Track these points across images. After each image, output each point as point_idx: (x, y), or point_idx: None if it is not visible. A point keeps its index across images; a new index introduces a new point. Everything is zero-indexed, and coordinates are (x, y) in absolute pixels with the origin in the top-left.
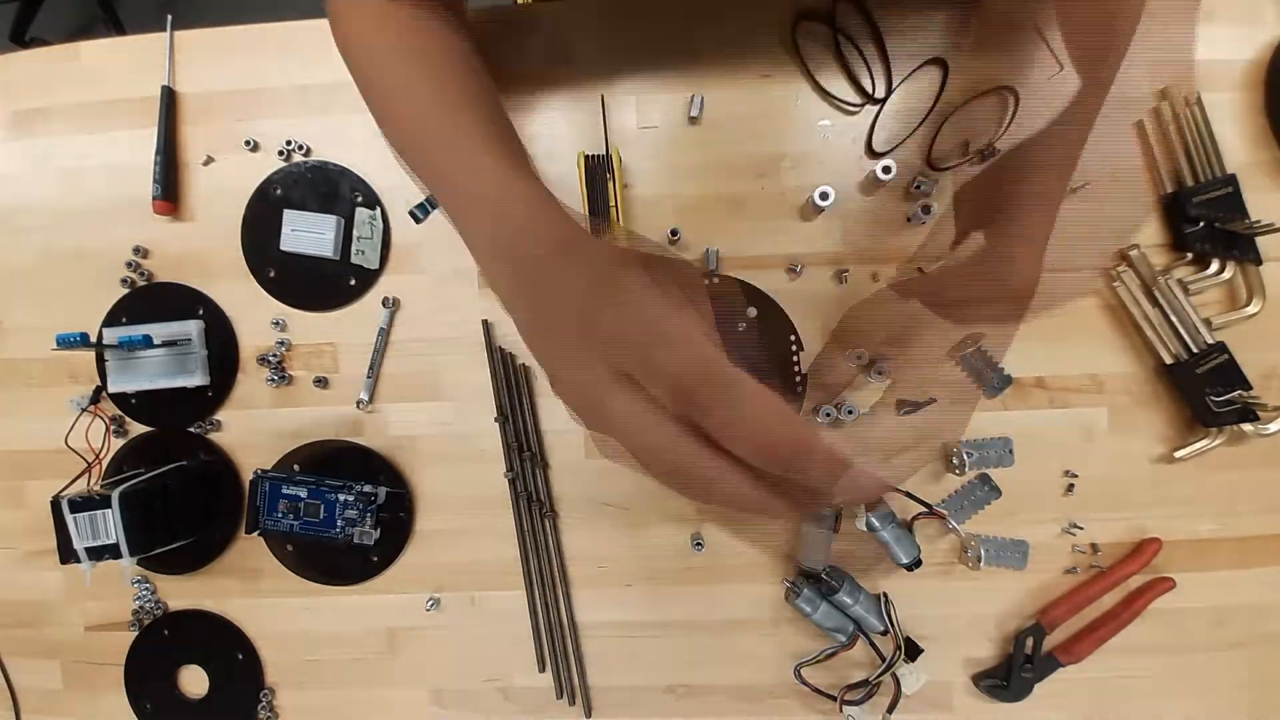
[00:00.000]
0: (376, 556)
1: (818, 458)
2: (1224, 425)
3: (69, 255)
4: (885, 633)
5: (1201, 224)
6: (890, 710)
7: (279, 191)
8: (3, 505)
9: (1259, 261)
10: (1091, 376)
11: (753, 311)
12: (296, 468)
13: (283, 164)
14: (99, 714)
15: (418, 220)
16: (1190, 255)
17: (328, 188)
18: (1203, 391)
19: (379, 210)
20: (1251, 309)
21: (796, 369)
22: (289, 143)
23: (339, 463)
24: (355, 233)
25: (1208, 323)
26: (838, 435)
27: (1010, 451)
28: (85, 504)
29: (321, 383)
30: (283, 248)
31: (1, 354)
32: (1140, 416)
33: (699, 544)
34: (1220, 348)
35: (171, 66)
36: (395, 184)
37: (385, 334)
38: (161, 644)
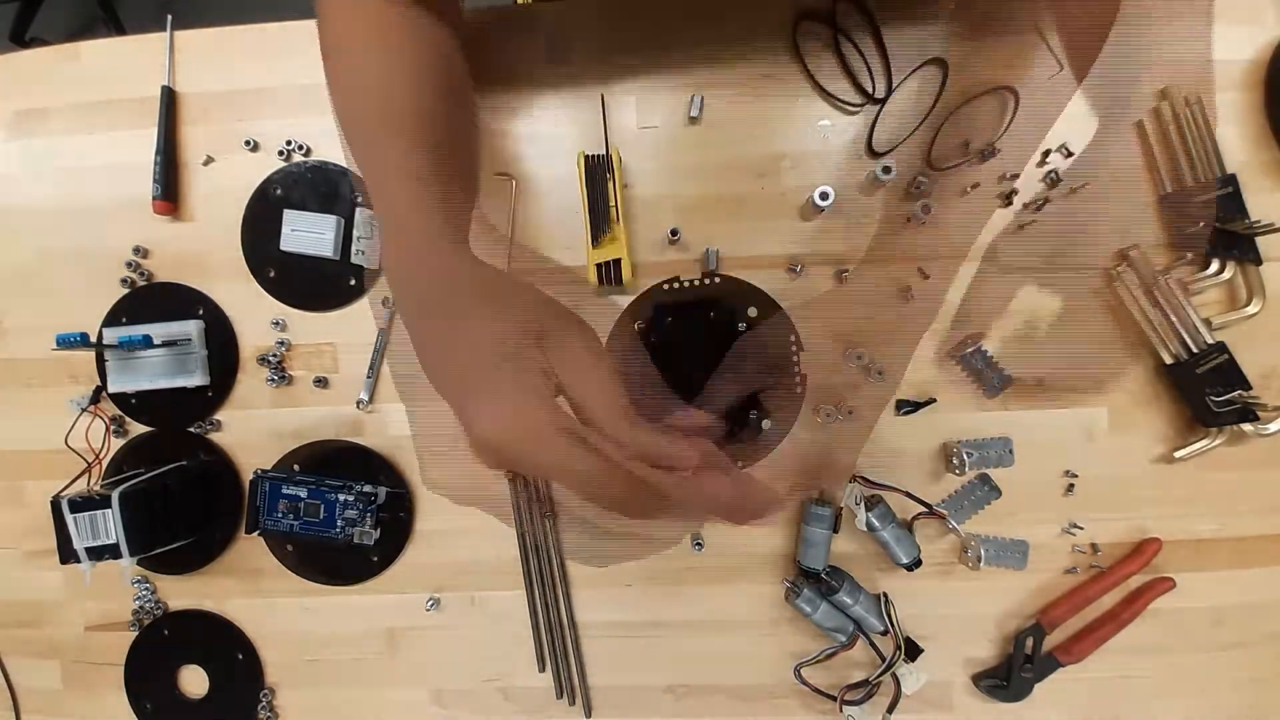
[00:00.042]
0: (376, 556)
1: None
2: (1224, 425)
3: (69, 255)
4: (885, 633)
5: (1201, 224)
6: (890, 710)
7: (279, 191)
8: (3, 505)
9: (1259, 261)
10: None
11: (753, 312)
12: (296, 468)
13: (283, 164)
14: (99, 714)
15: None
16: (1190, 255)
17: (328, 188)
18: (1203, 391)
19: None
20: (1251, 309)
21: (797, 369)
22: (289, 143)
23: (339, 463)
24: (355, 233)
25: (1208, 323)
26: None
27: (1010, 451)
28: (85, 504)
29: (321, 383)
30: (283, 248)
31: (1, 354)
32: (1140, 416)
33: (699, 544)
34: (1220, 348)
35: (171, 66)
36: None
37: (385, 334)
38: (161, 644)
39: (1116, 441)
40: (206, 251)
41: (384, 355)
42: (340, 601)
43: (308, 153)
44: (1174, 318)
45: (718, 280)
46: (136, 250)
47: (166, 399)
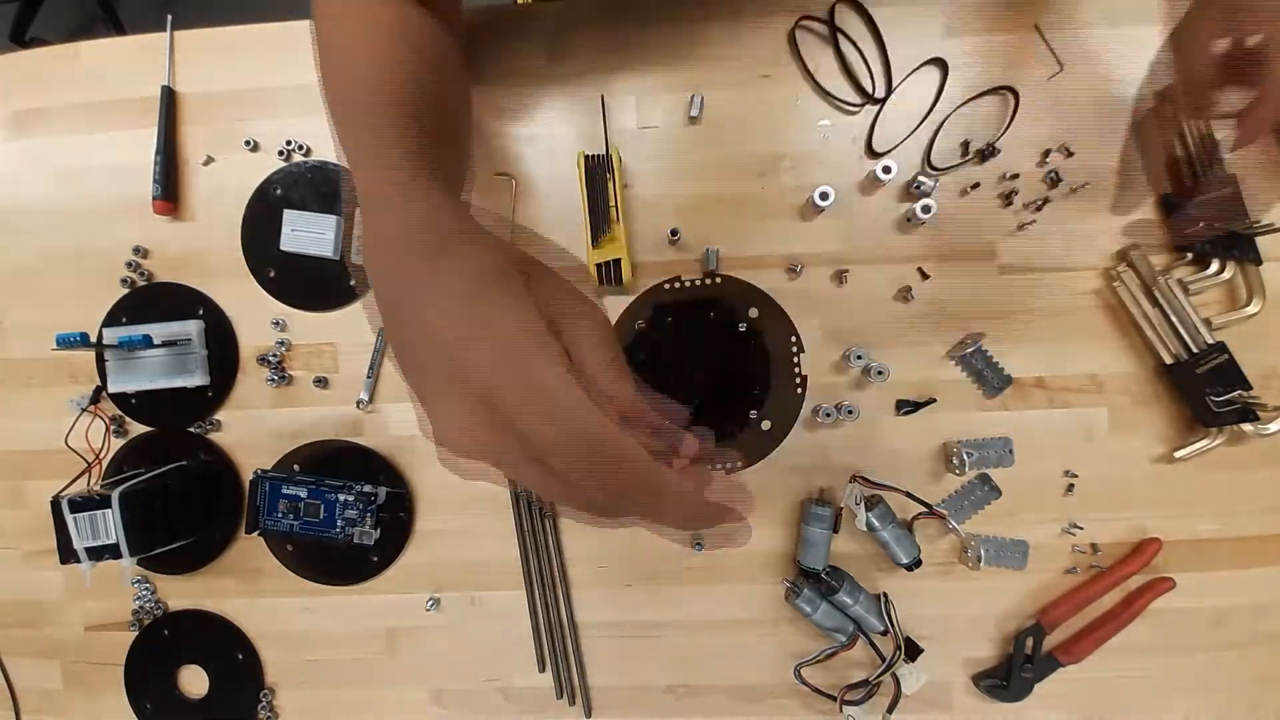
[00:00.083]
0: (376, 556)
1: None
2: (1224, 425)
3: (69, 255)
4: (885, 633)
5: (1201, 224)
6: (890, 710)
7: (279, 191)
8: (3, 505)
9: (1259, 261)
10: (1091, 376)
11: (754, 312)
12: (296, 468)
13: (283, 164)
14: (99, 714)
15: None
16: (1190, 255)
17: (328, 188)
18: (1203, 391)
19: None
20: (1251, 309)
21: (797, 369)
22: (289, 143)
23: (339, 463)
24: (355, 232)
25: (1208, 323)
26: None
27: (1010, 451)
28: (85, 504)
29: (321, 383)
30: (283, 248)
31: (1, 354)
32: (1140, 416)
33: (699, 544)
34: (1220, 348)
35: (171, 66)
36: None
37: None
38: (161, 644)
39: (1116, 441)
40: (206, 251)
41: (384, 355)
42: (340, 601)
43: (308, 153)
44: (1174, 318)
45: (718, 280)
46: (136, 250)
47: (166, 399)
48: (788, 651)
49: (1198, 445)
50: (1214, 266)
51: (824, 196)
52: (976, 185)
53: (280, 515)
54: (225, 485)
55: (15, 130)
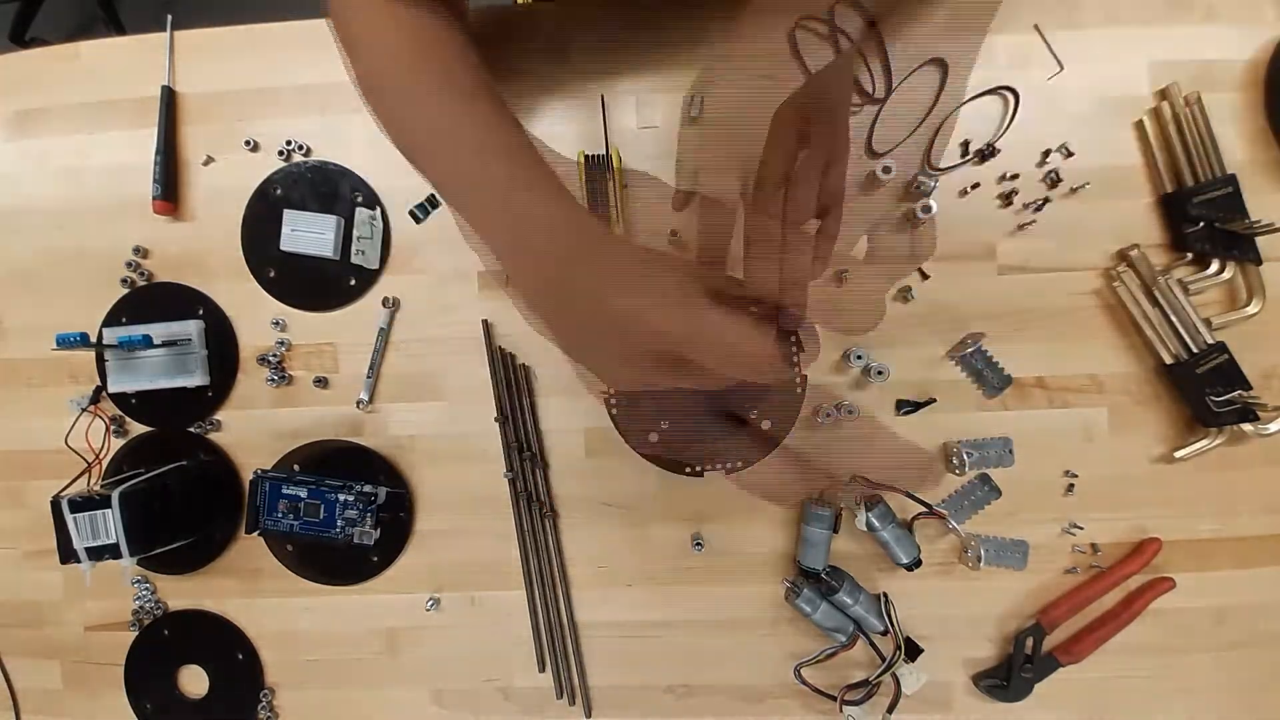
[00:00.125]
0: (376, 556)
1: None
2: (1224, 425)
3: (69, 255)
4: (885, 633)
5: (1201, 224)
6: (890, 710)
7: (279, 191)
8: (3, 505)
9: (1259, 261)
10: (1091, 376)
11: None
12: (296, 468)
13: (283, 164)
14: (99, 714)
15: (418, 220)
16: (1190, 255)
17: (328, 188)
18: (1203, 391)
19: (379, 210)
20: (1251, 309)
21: (797, 369)
22: (289, 143)
23: (339, 463)
24: (355, 233)
25: (1208, 323)
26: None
27: (1010, 451)
28: (85, 504)
29: (321, 383)
30: (283, 248)
31: (1, 354)
32: (1140, 416)
33: (699, 544)
34: (1220, 348)
35: (171, 66)
36: (395, 184)
37: (385, 334)
38: (161, 644)
39: (1116, 441)
40: (206, 251)
41: (384, 355)
42: (340, 601)
43: (308, 153)
44: (1174, 318)
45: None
46: (136, 250)
47: (166, 399)
48: (788, 651)
49: (1198, 445)
50: (1214, 266)
51: None
52: (976, 185)
53: (280, 515)
54: (225, 485)
55: (15, 130)
